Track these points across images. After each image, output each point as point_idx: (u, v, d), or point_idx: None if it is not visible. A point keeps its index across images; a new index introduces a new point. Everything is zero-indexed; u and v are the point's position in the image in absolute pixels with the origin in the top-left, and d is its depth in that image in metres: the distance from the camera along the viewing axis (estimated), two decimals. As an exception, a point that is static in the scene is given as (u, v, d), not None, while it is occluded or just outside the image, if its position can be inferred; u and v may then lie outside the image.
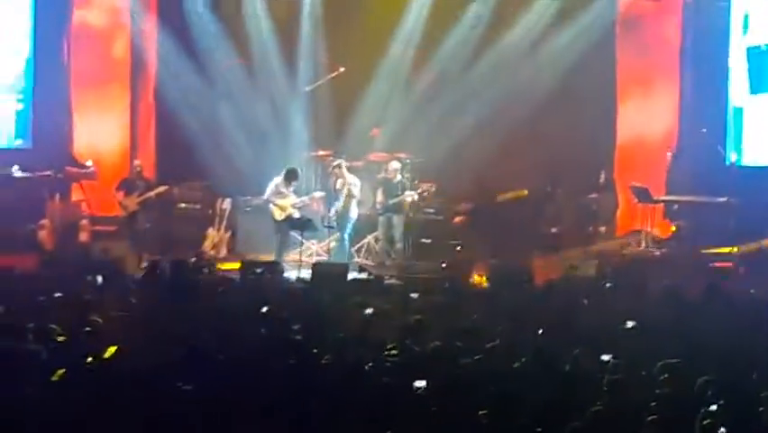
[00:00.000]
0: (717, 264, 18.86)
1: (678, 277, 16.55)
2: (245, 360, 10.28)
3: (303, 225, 19.08)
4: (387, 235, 19.76)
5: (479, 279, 17.16)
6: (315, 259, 19.25)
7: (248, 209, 20.34)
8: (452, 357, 10.49)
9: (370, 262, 19.55)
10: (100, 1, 21.78)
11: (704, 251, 19.17)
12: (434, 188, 20.38)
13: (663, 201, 20.50)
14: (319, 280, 16.16)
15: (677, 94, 21.44)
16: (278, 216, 19.22)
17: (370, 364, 10.19)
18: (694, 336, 11.57)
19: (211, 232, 20.28)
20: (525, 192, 20.97)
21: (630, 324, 12.22)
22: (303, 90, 21.36)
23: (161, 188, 20.15)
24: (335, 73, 21.00)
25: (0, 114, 21.42)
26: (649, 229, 20.23)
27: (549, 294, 14.57)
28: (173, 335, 11.29)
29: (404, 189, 19.68)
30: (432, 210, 20.66)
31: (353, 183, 19.41)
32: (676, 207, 20.50)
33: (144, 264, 17.62)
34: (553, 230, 20.84)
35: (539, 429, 8.52)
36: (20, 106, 21.47)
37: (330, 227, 19.33)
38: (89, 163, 21.11)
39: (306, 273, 17.24)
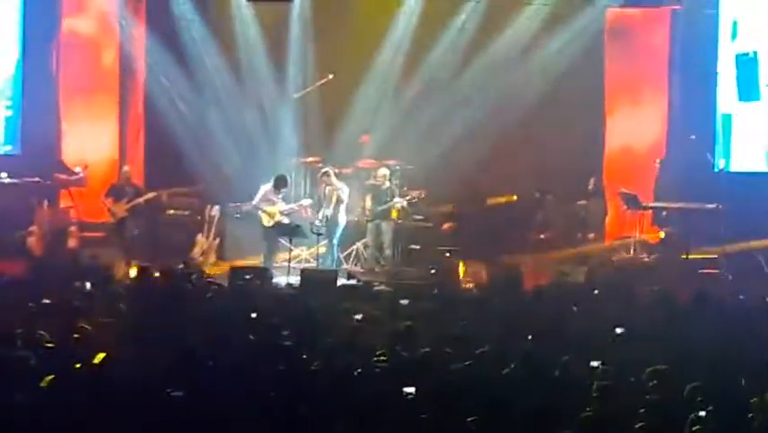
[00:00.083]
0: (706, 270, 18.91)
1: (667, 283, 16.60)
2: (234, 366, 10.26)
3: (292, 231, 19.06)
4: (376, 242, 19.77)
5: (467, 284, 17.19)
6: (303, 265, 19.22)
7: (237, 216, 20.31)
8: (442, 363, 10.49)
9: (359, 269, 19.55)
10: (89, 9, 21.76)
11: (691, 256, 19.21)
12: (423, 195, 20.38)
13: (652, 208, 20.53)
14: (308, 287, 16.14)
15: (666, 101, 21.50)
16: (267, 222, 19.23)
17: (360, 371, 10.19)
18: (683, 342, 11.59)
19: (200, 238, 20.26)
20: (515, 197, 21.02)
21: (619, 330, 12.24)
22: (292, 97, 21.37)
23: (150, 195, 20.12)
24: (324, 80, 21.01)
25: (-12, 120, 21.43)
26: (638, 236, 20.26)
27: (538, 300, 14.57)
28: (162, 341, 11.27)
29: (393, 196, 19.69)
30: (421, 217, 20.66)
31: (341, 190, 19.42)
32: (665, 213, 20.54)
33: (133, 271, 17.57)
34: (542, 236, 20.88)
35: (529, 435, 8.53)
36: (9, 113, 21.44)
37: (319, 234, 19.31)
38: (78, 170, 21.06)
39: (295, 280, 17.23)
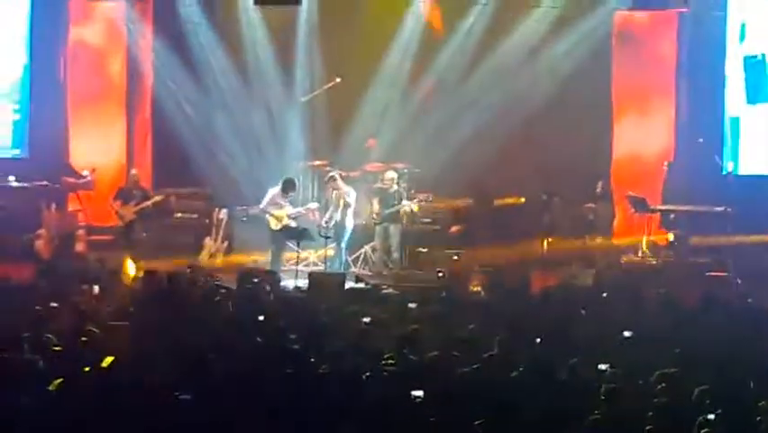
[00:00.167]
0: (714, 273, 18.89)
1: (675, 286, 16.56)
2: (242, 369, 10.27)
3: (299, 234, 19.05)
4: (384, 245, 19.75)
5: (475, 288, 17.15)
6: (311, 268, 19.22)
7: (244, 219, 20.31)
8: (450, 367, 10.49)
9: (367, 272, 19.52)
10: (96, 15, 21.79)
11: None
12: (430, 198, 20.37)
13: (660, 210, 20.51)
14: (316, 290, 16.14)
15: (673, 104, 21.48)
16: (275, 225, 19.21)
17: (368, 374, 10.19)
18: (691, 345, 11.56)
19: (208, 241, 20.28)
20: (523, 200, 21.01)
21: (627, 333, 12.21)
22: (299, 100, 21.37)
23: (158, 198, 20.14)
24: (332, 83, 21.00)
25: (-3, 123, 21.48)
26: (646, 238, 20.24)
27: (546, 303, 14.55)
28: (170, 344, 11.27)
29: (400, 199, 19.66)
30: (428, 220, 20.65)
31: (348, 193, 19.41)
32: (673, 216, 20.52)
33: (141, 274, 17.57)
34: (550, 239, 20.84)
35: (537, 439, 8.53)
36: (17, 117, 21.48)
37: (326, 237, 19.30)
38: (86, 173, 21.09)
39: (303, 283, 17.22)
